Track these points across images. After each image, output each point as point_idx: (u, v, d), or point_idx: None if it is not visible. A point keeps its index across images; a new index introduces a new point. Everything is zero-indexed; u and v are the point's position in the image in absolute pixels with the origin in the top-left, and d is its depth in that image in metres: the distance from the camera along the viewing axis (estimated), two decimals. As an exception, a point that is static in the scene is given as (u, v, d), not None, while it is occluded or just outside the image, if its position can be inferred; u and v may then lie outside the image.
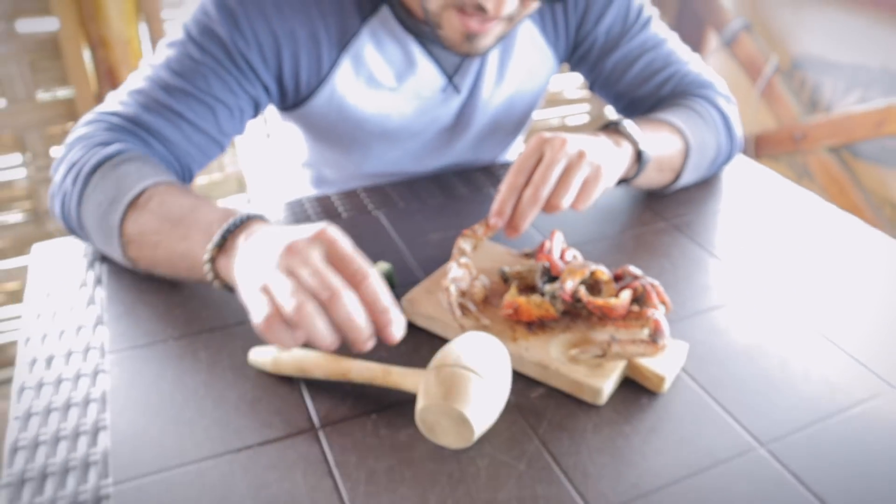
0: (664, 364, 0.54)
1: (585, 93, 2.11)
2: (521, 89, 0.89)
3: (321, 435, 0.50)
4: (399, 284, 0.65)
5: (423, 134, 0.88)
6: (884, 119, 1.64)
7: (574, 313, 0.57)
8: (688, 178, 0.81)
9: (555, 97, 2.07)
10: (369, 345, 0.46)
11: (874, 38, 1.64)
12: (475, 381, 0.46)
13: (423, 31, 0.78)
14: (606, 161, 0.65)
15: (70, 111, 1.51)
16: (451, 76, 0.83)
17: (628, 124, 0.73)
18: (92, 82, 1.49)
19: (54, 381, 0.56)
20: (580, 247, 0.71)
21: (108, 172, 0.64)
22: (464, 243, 0.62)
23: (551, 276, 0.60)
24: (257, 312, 0.46)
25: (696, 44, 2.09)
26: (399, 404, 0.53)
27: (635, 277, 0.57)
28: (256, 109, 0.77)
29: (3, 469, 0.48)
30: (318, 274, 0.46)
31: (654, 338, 0.52)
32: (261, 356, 0.55)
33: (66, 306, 0.64)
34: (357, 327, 0.46)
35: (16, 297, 1.66)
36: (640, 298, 0.56)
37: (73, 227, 0.68)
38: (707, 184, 0.86)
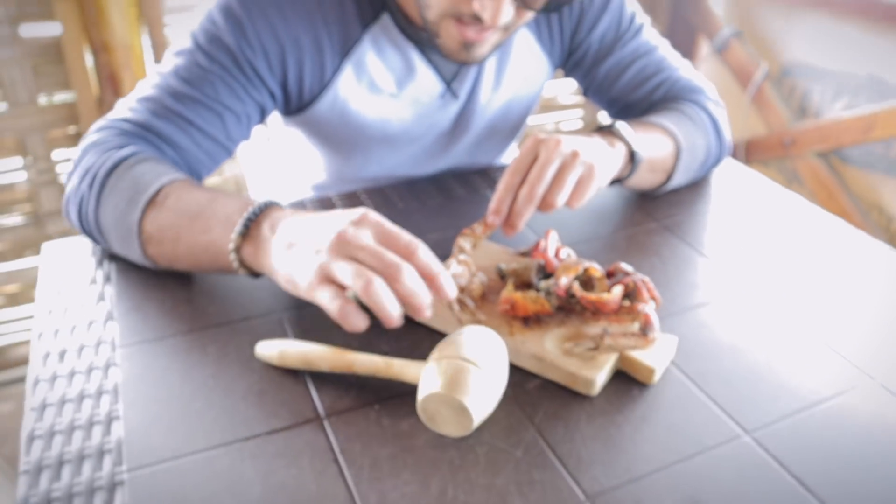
0: (654, 357, 0.56)
1: (579, 98, 2.14)
2: (518, 95, 0.92)
3: (326, 424, 0.53)
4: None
5: (423, 139, 0.90)
6: (870, 125, 1.67)
7: (568, 308, 0.60)
8: (679, 179, 0.84)
9: (549, 103, 2.10)
10: (429, 312, 0.51)
11: (861, 47, 1.67)
12: (474, 372, 0.49)
13: (422, 38, 0.80)
14: (600, 160, 0.67)
15: (71, 115, 1.53)
16: (450, 82, 0.85)
17: (622, 126, 0.76)
18: (94, 87, 1.51)
19: (67, 374, 0.57)
20: (574, 246, 0.73)
21: (124, 174, 0.66)
22: (463, 242, 0.65)
23: (546, 273, 0.62)
24: (328, 303, 0.50)
25: (687, 51, 2.12)
26: (400, 395, 0.55)
27: (626, 274, 0.59)
28: (262, 115, 0.79)
29: (21, 457, 0.50)
30: (377, 254, 0.50)
31: (645, 331, 0.54)
32: (267, 349, 0.57)
33: (76, 302, 0.66)
34: (420, 296, 0.50)
35: (15, 299, 1.68)
36: (631, 294, 0.58)
37: (91, 231, 0.69)
38: (697, 186, 0.89)
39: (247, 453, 0.50)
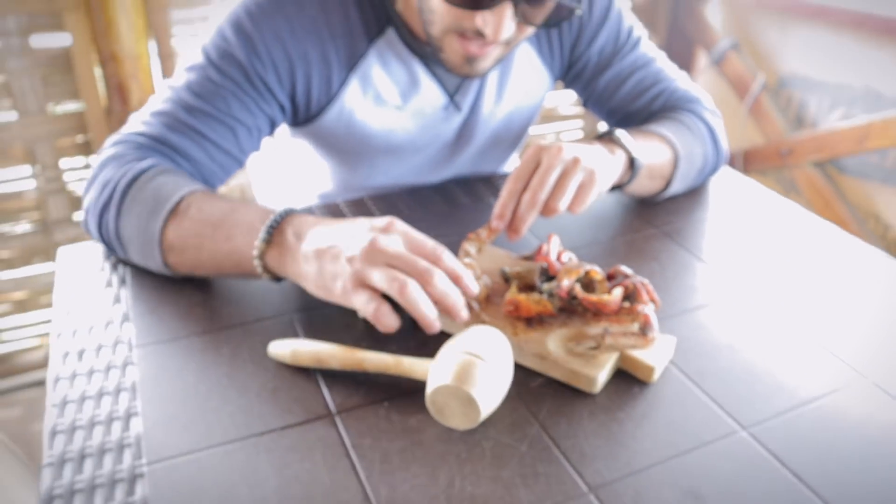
0: (654, 356, 0.58)
1: (579, 109, 2.17)
2: (519, 106, 0.94)
3: (338, 420, 0.54)
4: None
5: (426, 149, 0.92)
6: (866, 135, 1.70)
7: (570, 309, 0.62)
8: (677, 186, 0.86)
9: (550, 113, 2.13)
10: (465, 313, 0.56)
11: (857, 59, 1.70)
12: (481, 366, 0.51)
13: (426, 52, 0.82)
14: (600, 166, 0.70)
15: (80, 124, 1.55)
16: (453, 95, 0.88)
17: (621, 134, 0.78)
18: (102, 96, 1.54)
19: (87, 372, 0.59)
20: (575, 251, 0.75)
21: (144, 186, 0.68)
22: (468, 246, 0.67)
23: (549, 276, 0.64)
24: (365, 306, 0.55)
25: (685, 63, 2.16)
26: (409, 393, 0.57)
27: (626, 276, 0.62)
28: (272, 127, 0.81)
29: (44, 451, 0.52)
30: (409, 261, 0.54)
31: (645, 331, 0.56)
32: (280, 348, 0.59)
33: (93, 304, 0.68)
34: (452, 296, 0.55)
35: (24, 306, 1.69)
36: (631, 295, 0.60)
37: (110, 242, 0.71)
38: (694, 193, 0.91)
39: (262, 447, 0.52)
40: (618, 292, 0.59)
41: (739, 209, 0.88)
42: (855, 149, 1.73)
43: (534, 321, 0.61)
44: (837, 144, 1.78)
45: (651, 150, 0.81)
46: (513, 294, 0.61)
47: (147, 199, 0.67)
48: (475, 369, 0.50)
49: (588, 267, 0.62)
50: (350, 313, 0.65)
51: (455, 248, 0.69)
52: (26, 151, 1.53)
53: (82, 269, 0.74)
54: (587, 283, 0.62)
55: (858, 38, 1.69)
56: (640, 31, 0.92)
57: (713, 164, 0.91)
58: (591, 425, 0.54)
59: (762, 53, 1.94)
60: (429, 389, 0.52)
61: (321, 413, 0.55)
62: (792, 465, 0.51)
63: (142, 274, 0.72)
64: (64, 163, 1.58)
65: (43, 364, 1.75)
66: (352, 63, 0.80)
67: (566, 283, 0.60)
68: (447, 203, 0.88)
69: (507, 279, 0.66)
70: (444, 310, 0.55)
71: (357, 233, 0.57)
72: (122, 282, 0.71)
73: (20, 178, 1.56)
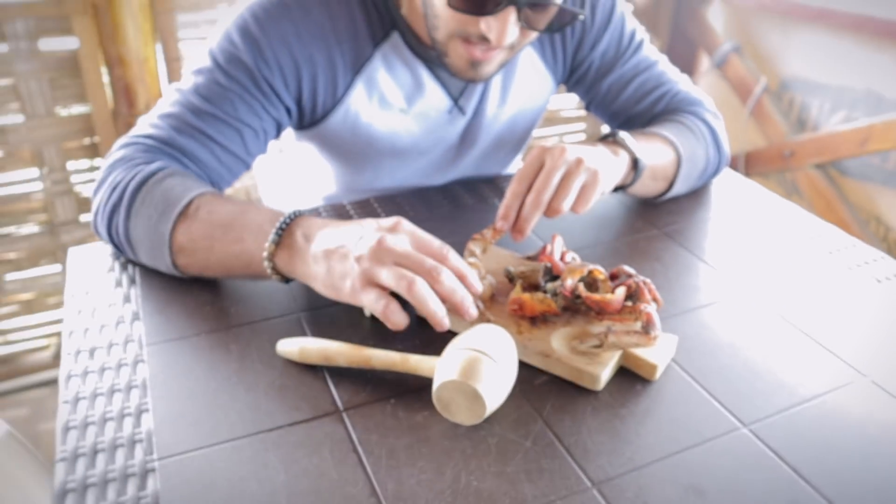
0: (656, 354, 0.59)
1: (581, 112, 2.18)
2: (522, 110, 0.95)
3: (345, 417, 0.55)
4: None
5: (431, 152, 0.93)
6: (867, 137, 1.71)
7: (574, 308, 0.63)
8: (680, 187, 0.87)
9: (553, 115, 2.14)
10: (473, 310, 0.57)
11: (858, 61, 1.71)
12: (487, 362, 0.52)
13: (430, 56, 0.83)
14: (603, 167, 0.70)
15: (87, 127, 1.57)
16: (457, 99, 0.89)
17: (625, 135, 0.79)
18: (109, 99, 1.55)
19: (98, 370, 0.60)
20: (578, 252, 0.76)
21: (154, 188, 0.68)
22: (473, 246, 0.68)
23: (553, 276, 0.65)
24: (374, 304, 0.55)
25: (688, 66, 2.17)
26: (415, 390, 0.58)
27: (629, 276, 0.62)
28: (279, 130, 0.83)
29: (57, 446, 0.53)
30: (417, 259, 0.55)
31: (647, 329, 0.57)
32: (288, 346, 0.60)
33: (104, 303, 0.69)
34: (459, 293, 0.56)
35: (30, 307, 1.71)
36: (633, 294, 0.61)
37: (120, 243, 0.72)
38: (696, 195, 0.92)
39: (270, 443, 0.53)
40: (621, 292, 0.60)
41: (741, 211, 0.89)
42: (856, 151, 1.74)
43: (538, 320, 0.62)
44: (839, 147, 1.78)
45: (654, 151, 0.81)
46: (517, 293, 0.62)
47: (157, 202, 0.68)
48: (481, 365, 0.51)
49: (591, 266, 0.63)
50: (357, 312, 0.66)
51: (460, 249, 0.70)
52: (34, 154, 1.55)
53: (93, 269, 0.75)
54: (590, 283, 0.63)
55: (859, 41, 1.70)
56: (641, 34, 0.93)
57: (715, 166, 0.92)
58: (594, 422, 0.55)
59: (764, 56, 1.95)
60: (435, 384, 0.52)
61: (329, 410, 0.56)
62: (792, 461, 0.52)
63: (151, 274, 0.73)
64: (71, 165, 1.59)
65: (50, 365, 1.76)
66: (357, 67, 0.81)
67: (570, 282, 0.61)
68: (452, 204, 0.89)
69: (511, 279, 0.67)
70: (452, 307, 0.56)
71: (365, 233, 0.58)
72: (132, 281, 0.72)
73: (28, 181, 1.57)
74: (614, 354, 0.59)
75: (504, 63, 0.78)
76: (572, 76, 0.94)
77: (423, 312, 0.55)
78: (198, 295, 0.70)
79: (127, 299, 0.70)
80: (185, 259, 0.68)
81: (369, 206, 0.89)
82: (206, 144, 0.75)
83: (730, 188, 0.95)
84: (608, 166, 0.72)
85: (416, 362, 0.56)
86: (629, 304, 0.61)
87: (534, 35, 0.75)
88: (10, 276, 1.64)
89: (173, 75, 1.60)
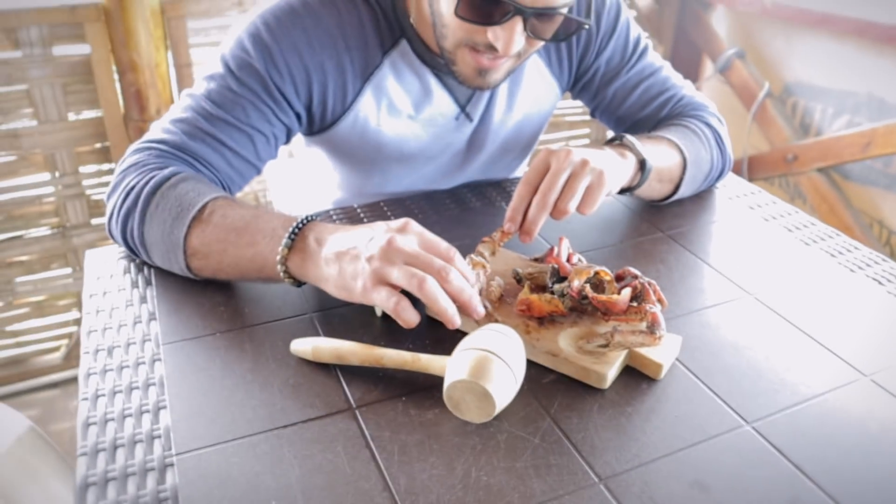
0: (662, 353, 0.60)
1: (586, 116, 2.20)
2: (528, 116, 0.96)
3: (357, 414, 0.57)
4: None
5: (438, 158, 0.95)
6: (870, 142, 1.72)
7: (580, 309, 0.64)
8: (685, 189, 0.88)
9: (558, 121, 2.16)
10: (481, 309, 0.59)
11: (861, 66, 1.73)
12: (496, 362, 0.53)
13: (438, 64, 0.85)
14: (609, 168, 0.72)
15: (98, 132, 1.59)
16: (464, 106, 0.90)
17: (631, 138, 0.81)
18: (120, 104, 1.58)
19: (117, 368, 0.62)
20: (584, 254, 0.78)
21: (168, 192, 0.70)
22: (482, 249, 0.69)
23: (560, 277, 0.67)
24: (385, 302, 0.57)
25: (692, 71, 2.18)
26: (426, 388, 0.59)
27: (635, 277, 0.64)
28: (289, 136, 0.84)
29: (78, 441, 0.55)
30: (426, 259, 0.57)
31: (652, 329, 0.59)
32: (301, 345, 0.62)
33: (121, 303, 0.71)
34: (468, 293, 0.58)
35: (42, 309, 1.73)
36: (639, 295, 0.62)
37: (134, 247, 0.73)
38: (700, 199, 0.94)
39: (285, 439, 0.54)
40: (626, 292, 0.61)
41: (744, 215, 0.90)
42: (859, 155, 1.75)
43: (545, 320, 0.64)
44: (841, 151, 1.80)
45: (660, 153, 0.83)
46: (525, 294, 0.64)
47: (171, 206, 0.69)
48: (490, 365, 0.53)
49: (598, 268, 0.64)
50: (367, 313, 0.68)
51: (467, 251, 0.71)
52: (46, 158, 1.57)
53: (110, 271, 0.76)
54: (597, 284, 0.64)
55: (862, 46, 1.71)
56: (645, 41, 0.95)
57: (719, 169, 0.94)
58: (600, 419, 0.56)
59: (767, 61, 1.96)
60: (446, 384, 0.54)
61: (342, 407, 0.58)
62: (794, 458, 0.53)
63: (166, 275, 0.74)
64: (83, 169, 1.61)
65: (60, 366, 1.78)
66: (366, 74, 0.83)
67: (577, 283, 0.62)
68: (460, 207, 0.91)
69: (519, 280, 0.68)
70: (461, 305, 0.58)
71: (375, 235, 0.60)
72: (148, 282, 0.74)
73: (40, 184, 1.60)
74: (620, 354, 0.60)
75: (511, 71, 0.80)
76: (578, 83, 0.96)
77: (435, 309, 0.57)
78: (212, 296, 0.71)
79: (143, 300, 0.71)
80: (198, 262, 0.69)
81: (379, 209, 0.90)
82: (218, 149, 0.77)
83: (733, 192, 0.96)
84: (614, 167, 0.73)
85: (427, 361, 0.58)
86: (635, 304, 0.62)
87: (540, 44, 0.77)
88: (22, 279, 1.66)
89: (184, 81, 1.62)
